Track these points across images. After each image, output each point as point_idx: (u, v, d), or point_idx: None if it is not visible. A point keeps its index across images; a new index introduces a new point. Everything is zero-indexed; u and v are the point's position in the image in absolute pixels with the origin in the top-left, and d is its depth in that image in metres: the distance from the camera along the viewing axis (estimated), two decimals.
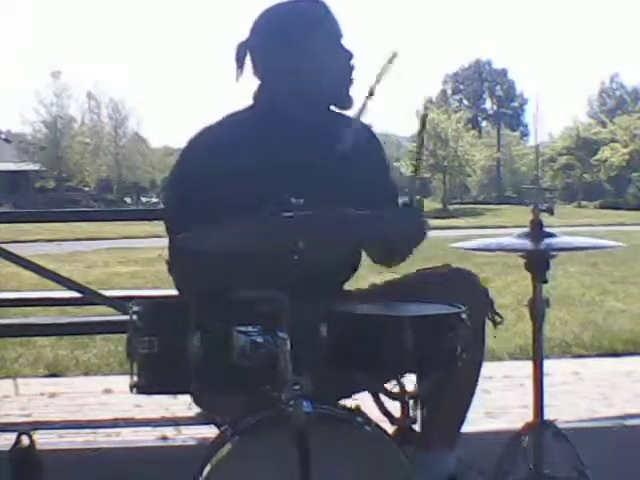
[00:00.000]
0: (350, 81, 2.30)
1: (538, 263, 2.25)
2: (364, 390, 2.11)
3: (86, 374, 5.15)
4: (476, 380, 2.30)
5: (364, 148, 2.35)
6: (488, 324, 2.26)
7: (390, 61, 2.06)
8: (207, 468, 1.80)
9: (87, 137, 52.94)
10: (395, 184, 2.49)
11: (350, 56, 2.28)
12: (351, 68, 2.29)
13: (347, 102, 2.31)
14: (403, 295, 2.11)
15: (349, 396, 2.11)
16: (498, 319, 2.24)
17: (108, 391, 4.49)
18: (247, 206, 1.93)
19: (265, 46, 2.27)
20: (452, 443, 2.32)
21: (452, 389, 2.19)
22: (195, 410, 3.22)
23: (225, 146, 2.21)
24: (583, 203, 47.08)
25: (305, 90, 2.26)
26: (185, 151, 2.31)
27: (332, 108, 2.34)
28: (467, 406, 2.33)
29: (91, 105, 53.25)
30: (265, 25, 2.29)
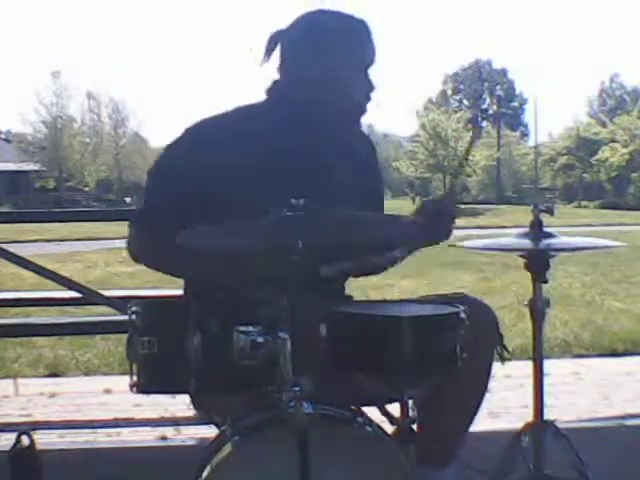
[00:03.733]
0: (363, 112, 2.31)
1: (538, 263, 2.24)
2: (372, 403, 2.10)
3: (86, 374, 5.15)
4: (477, 405, 2.27)
5: (365, 158, 2.38)
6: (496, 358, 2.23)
7: (475, 138, 2.10)
8: (207, 469, 1.80)
9: (87, 137, 52.94)
10: (382, 194, 2.51)
11: (372, 88, 2.28)
12: (368, 99, 2.29)
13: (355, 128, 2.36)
14: None
15: (357, 405, 2.08)
16: (506, 355, 2.21)
17: (108, 391, 4.50)
18: (245, 205, 1.93)
19: (299, 47, 2.26)
20: (450, 458, 2.29)
21: (452, 412, 2.18)
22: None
23: (233, 140, 2.17)
24: (583, 203, 47.03)
25: (324, 100, 2.24)
26: (179, 140, 2.26)
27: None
28: (467, 426, 2.29)
29: (91, 105, 53.25)
30: (307, 27, 2.27)
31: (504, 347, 2.21)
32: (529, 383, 2.31)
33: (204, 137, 2.23)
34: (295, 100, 2.25)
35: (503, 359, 2.21)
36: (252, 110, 2.29)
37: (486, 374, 2.24)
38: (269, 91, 2.31)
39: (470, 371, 1.91)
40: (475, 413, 2.28)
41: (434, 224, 2.23)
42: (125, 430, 3.75)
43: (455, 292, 2.26)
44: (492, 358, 2.22)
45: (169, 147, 2.27)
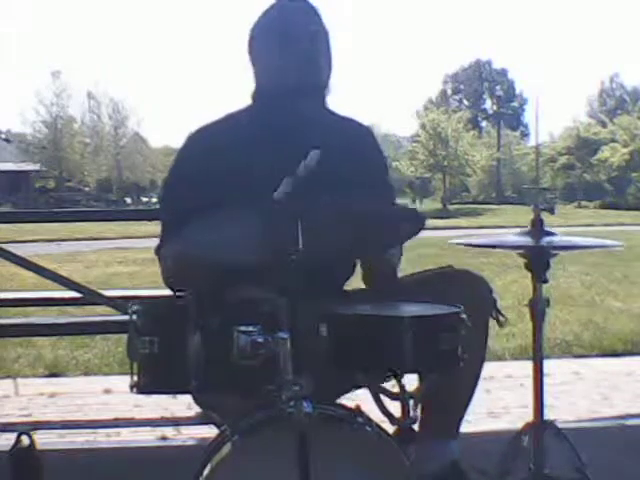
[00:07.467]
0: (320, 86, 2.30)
1: (538, 262, 2.24)
2: (362, 387, 2.11)
3: (86, 374, 5.15)
4: (477, 378, 2.31)
5: (360, 149, 2.35)
6: (493, 324, 2.26)
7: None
8: (207, 468, 1.79)
9: (87, 137, 52.93)
10: (392, 186, 2.49)
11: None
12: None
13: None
14: (405, 295, 2.11)
15: (348, 392, 2.10)
16: (502, 318, 2.24)
17: (108, 391, 4.50)
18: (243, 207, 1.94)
19: (255, 47, 2.30)
20: (452, 432, 2.33)
21: (452, 386, 2.19)
22: (195, 410, 3.22)
23: (222, 147, 2.21)
24: (583, 203, 47.00)
25: (292, 89, 2.24)
26: (181, 150, 2.32)
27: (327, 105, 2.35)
28: (467, 401, 2.34)
29: (91, 105, 53.27)
30: (255, 26, 2.31)
31: (499, 311, 2.23)
32: (529, 383, 2.30)
33: (208, 144, 2.26)
34: (266, 102, 2.26)
35: (500, 323, 2.25)
36: (236, 116, 2.32)
37: (484, 341, 2.29)
38: (252, 95, 2.33)
39: (469, 340, 1.91)
40: (476, 384, 2.32)
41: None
42: (125, 430, 3.75)
43: (443, 266, 2.29)
44: (488, 325, 2.26)
45: (173, 168, 2.33)
